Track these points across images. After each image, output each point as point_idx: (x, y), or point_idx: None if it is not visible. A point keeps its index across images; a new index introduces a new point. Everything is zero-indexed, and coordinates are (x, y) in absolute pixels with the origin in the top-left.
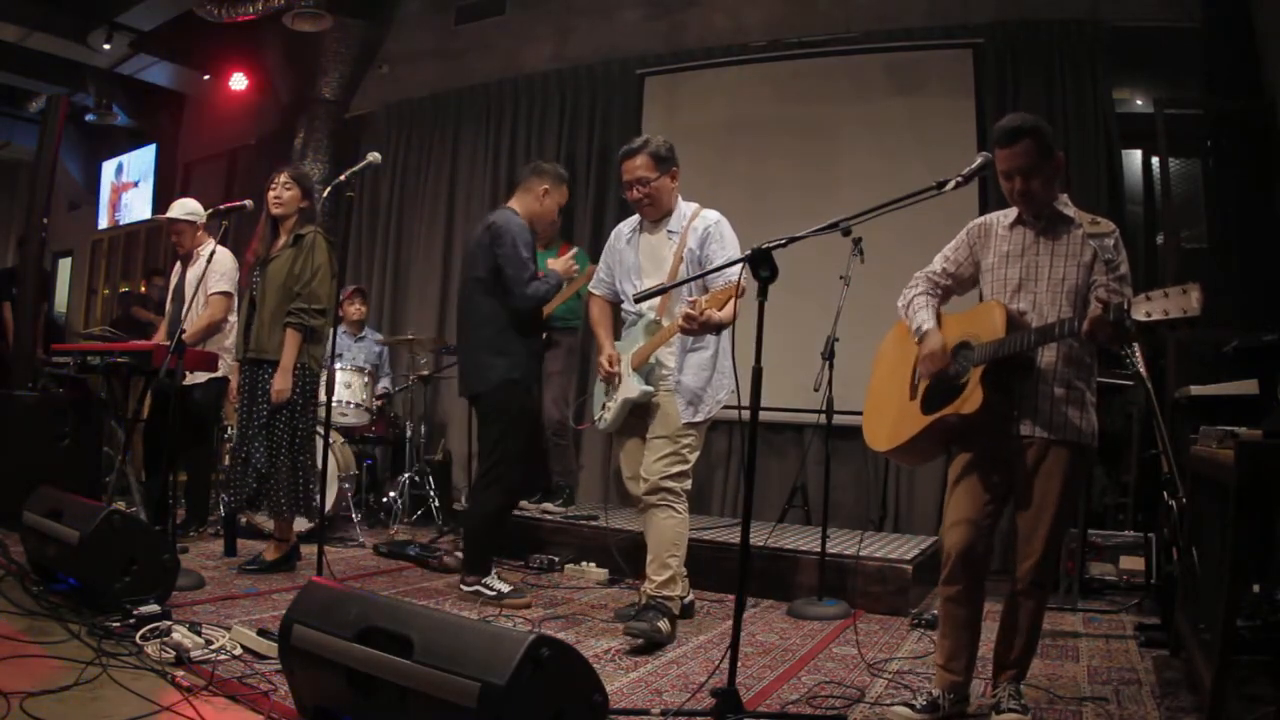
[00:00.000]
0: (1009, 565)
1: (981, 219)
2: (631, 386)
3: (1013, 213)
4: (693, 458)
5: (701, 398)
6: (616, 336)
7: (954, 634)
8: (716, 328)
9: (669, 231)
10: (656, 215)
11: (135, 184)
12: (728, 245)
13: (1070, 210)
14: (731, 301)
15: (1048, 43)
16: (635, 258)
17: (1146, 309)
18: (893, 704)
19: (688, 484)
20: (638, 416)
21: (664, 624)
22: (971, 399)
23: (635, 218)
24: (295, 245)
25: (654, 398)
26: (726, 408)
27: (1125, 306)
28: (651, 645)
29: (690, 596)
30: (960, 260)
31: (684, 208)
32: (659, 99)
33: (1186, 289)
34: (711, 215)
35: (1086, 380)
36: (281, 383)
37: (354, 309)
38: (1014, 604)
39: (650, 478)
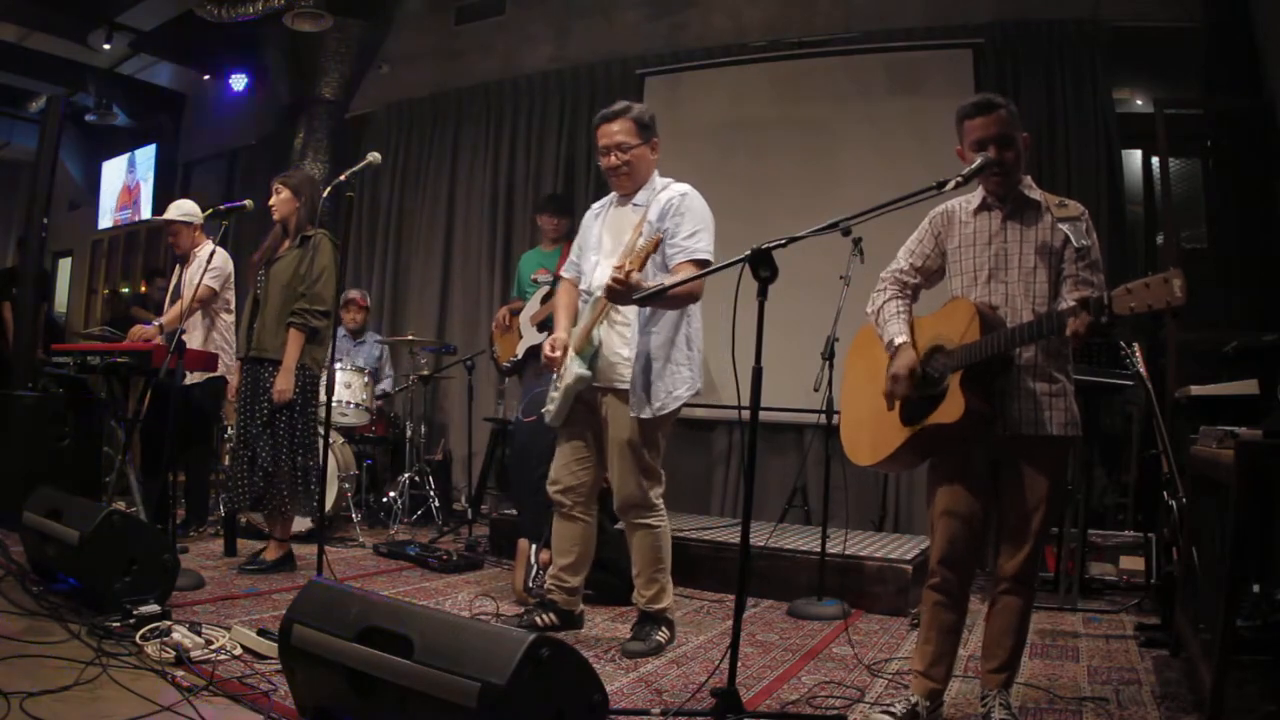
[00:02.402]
0: (993, 564)
1: (942, 207)
2: (569, 371)
3: (975, 198)
4: (657, 460)
5: (650, 391)
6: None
7: (938, 640)
8: (652, 298)
9: (635, 205)
10: (631, 188)
11: (140, 182)
12: (692, 220)
13: (1036, 193)
14: (687, 273)
15: (1048, 43)
16: (599, 233)
17: (1130, 303)
18: (872, 710)
19: (660, 489)
20: (582, 413)
21: (661, 634)
22: (953, 407)
23: (607, 196)
24: (301, 246)
25: (603, 394)
26: (726, 407)
27: (1106, 302)
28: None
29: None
30: (927, 252)
31: (658, 181)
32: (659, 99)
33: (1168, 277)
34: (681, 187)
35: (1066, 371)
36: (284, 383)
37: (349, 317)
38: (1001, 605)
39: (619, 495)
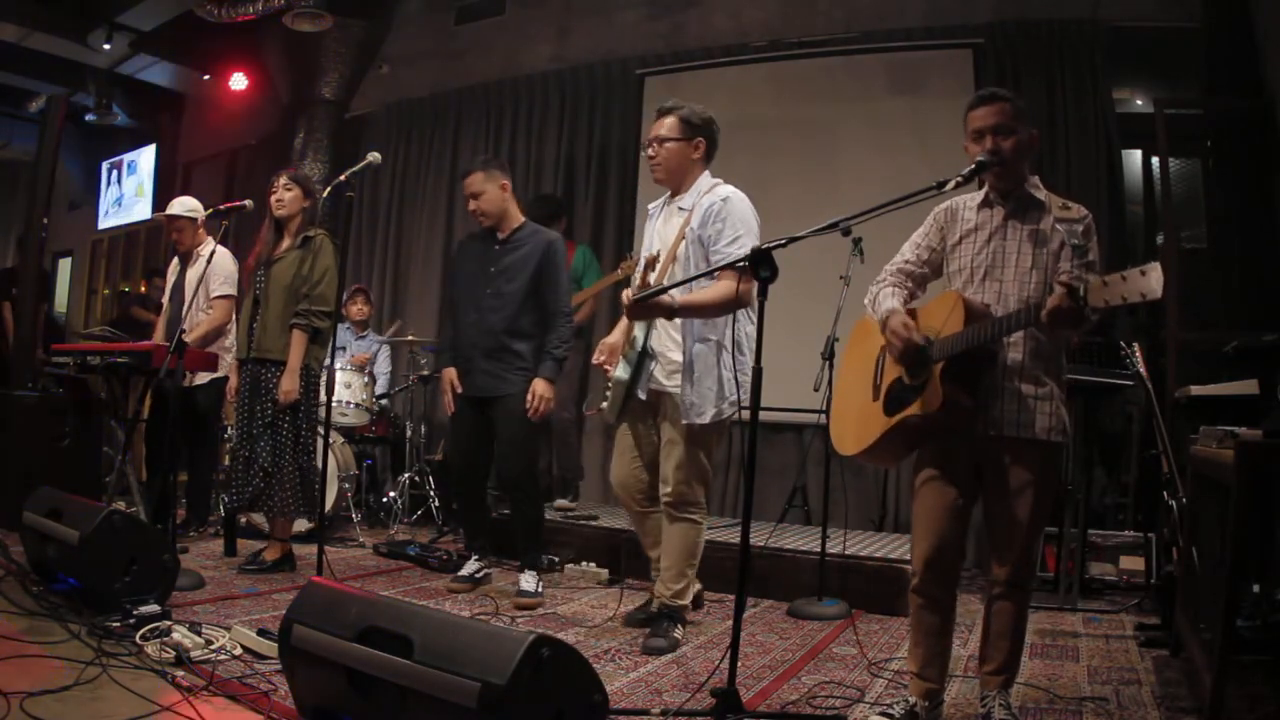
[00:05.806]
0: (986, 568)
1: (947, 203)
2: (615, 373)
3: (979, 195)
4: (708, 462)
5: (701, 398)
6: None
7: (927, 642)
8: (673, 311)
9: (680, 207)
10: (668, 183)
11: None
12: (733, 225)
13: (1041, 193)
14: (727, 283)
15: (1048, 43)
16: (652, 234)
17: (1104, 295)
18: (871, 711)
19: (705, 490)
20: (639, 410)
21: (678, 631)
22: (932, 398)
23: (666, 193)
24: (303, 247)
25: (659, 395)
26: None
27: (1082, 292)
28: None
29: (698, 586)
30: (932, 245)
31: (703, 183)
32: (659, 99)
33: (1145, 270)
34: (723, 191)
35: (1056, 376)
36: (289, 384)
37: (356, 309)
38: (996, 608)
39: (669, 487)
